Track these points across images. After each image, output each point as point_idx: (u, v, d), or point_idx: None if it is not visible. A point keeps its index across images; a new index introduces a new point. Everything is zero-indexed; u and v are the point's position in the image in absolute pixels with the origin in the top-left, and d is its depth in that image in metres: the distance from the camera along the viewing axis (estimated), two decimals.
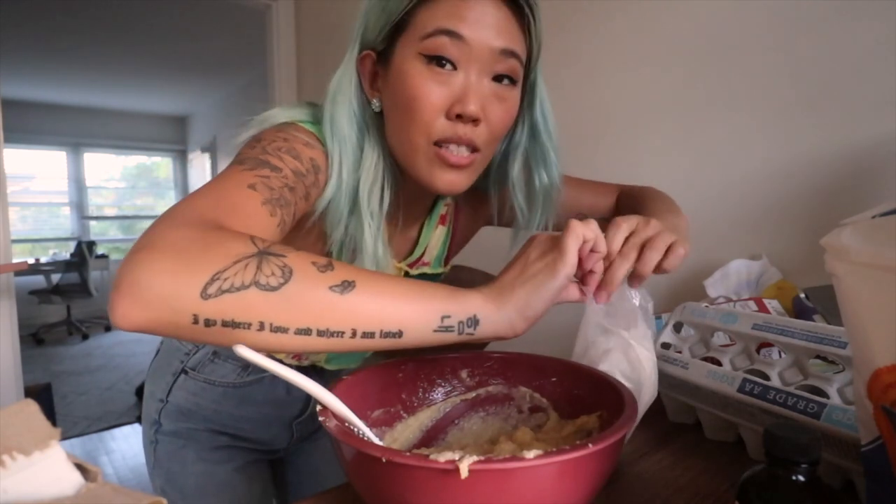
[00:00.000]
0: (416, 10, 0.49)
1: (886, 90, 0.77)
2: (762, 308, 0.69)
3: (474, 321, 0.40)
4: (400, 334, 0.38)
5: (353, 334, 0.37)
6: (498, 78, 0.51)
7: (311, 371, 0.73)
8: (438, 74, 0.49)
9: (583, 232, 0.43)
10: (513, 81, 0.52)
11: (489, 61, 0.50)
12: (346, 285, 0.36)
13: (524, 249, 0.45)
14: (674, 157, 1.05)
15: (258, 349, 0.35)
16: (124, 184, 6.28)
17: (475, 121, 0.50)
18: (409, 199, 0.61)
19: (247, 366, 0.70)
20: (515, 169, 0.61)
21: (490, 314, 0.40)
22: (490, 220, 0.72)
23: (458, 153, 0.51)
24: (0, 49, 3.70)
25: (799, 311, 0.67)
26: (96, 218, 5.98)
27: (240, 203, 0.41)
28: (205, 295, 0.33)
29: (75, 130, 5.61)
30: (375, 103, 0.55)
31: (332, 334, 0.36)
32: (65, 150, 5.65)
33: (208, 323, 0.33)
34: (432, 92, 0.49)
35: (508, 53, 0.50)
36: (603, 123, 1.18)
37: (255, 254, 0.35)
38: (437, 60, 0.49)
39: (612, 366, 0.47)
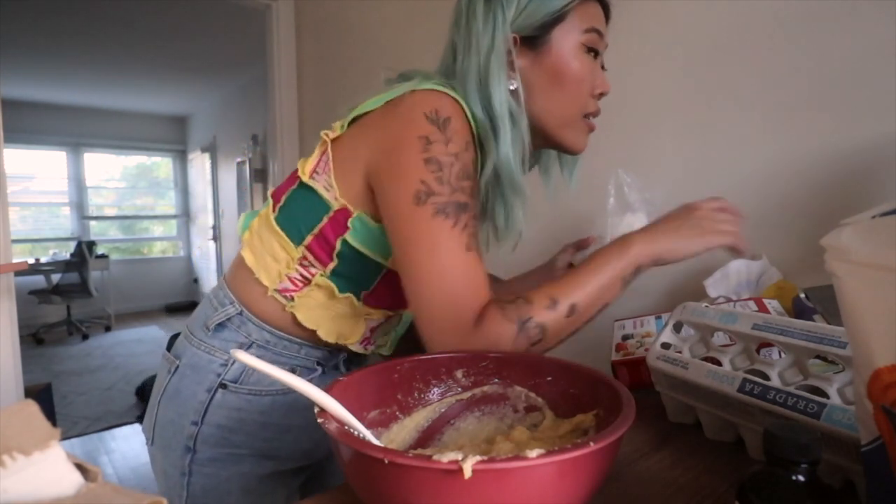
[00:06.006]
0: (577, 6, 0.60)
1: (886, 90, 0.77)
2: (762, 308, 0.68)
3: (638, 270, 0.55)
4: (606, 307, 0.55)
5: (581, 328, 0.55)
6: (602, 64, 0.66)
7: (367, 359, 0.75)
8: (593, 62, 0.62)
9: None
10: None
11: (603, 51, 0.65)
12: (572, 309, 0.53)
13: (684, 211, 0.60)
14: (673, 158, 1.05)
15: None
16: (124, 184, 6.28)
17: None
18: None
19: (293, 368, 0.67)
20: None
21: (645, 259, 0.55)
22: None
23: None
24: (0, 49, 3.70)
25: (799, 311, 0.67)
26: (96, 218, 5.97)
27: (469, 273, 0.53)
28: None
29: (75, 130, 5.61)
30: (513, 83, 0.61)
31: (568, 336, 0.54)
32: (65, 150, 5.65)
33: None
34: (589, 77, 0.62)
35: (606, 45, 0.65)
36: (601, 124, 1.18)
37: (517, 331, 0.51)
38: (594, 52, 0.62)
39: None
